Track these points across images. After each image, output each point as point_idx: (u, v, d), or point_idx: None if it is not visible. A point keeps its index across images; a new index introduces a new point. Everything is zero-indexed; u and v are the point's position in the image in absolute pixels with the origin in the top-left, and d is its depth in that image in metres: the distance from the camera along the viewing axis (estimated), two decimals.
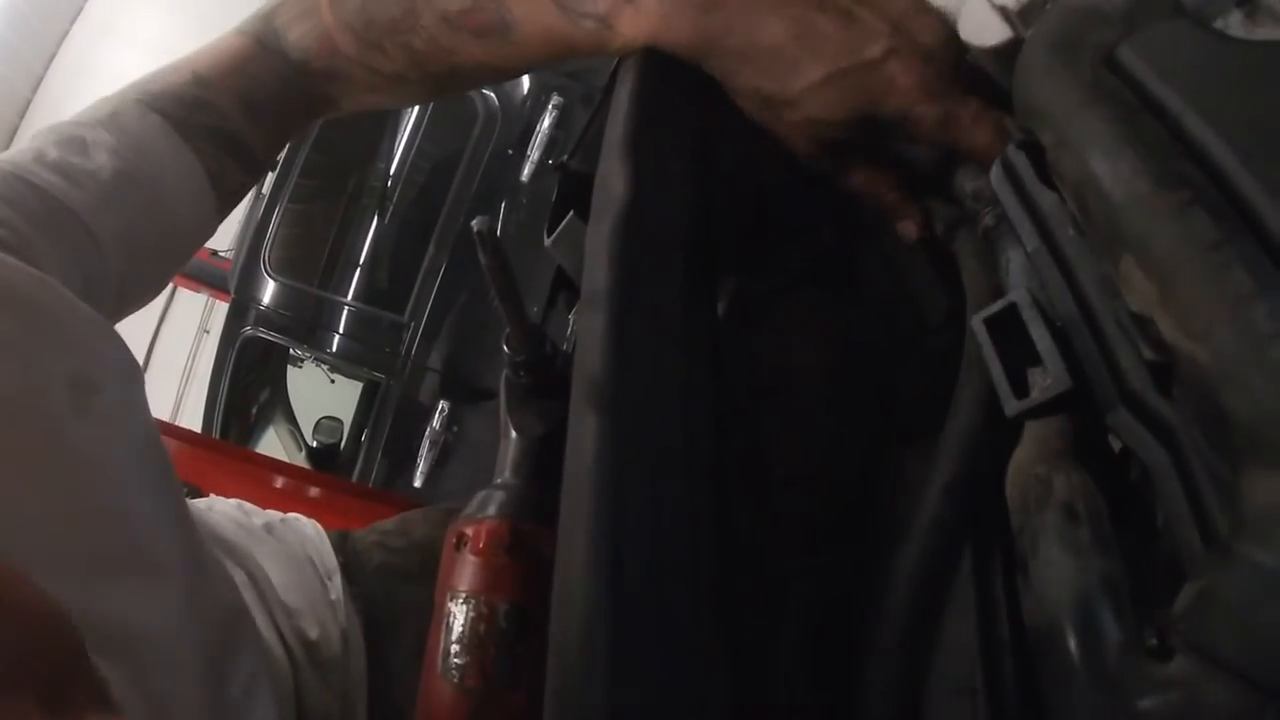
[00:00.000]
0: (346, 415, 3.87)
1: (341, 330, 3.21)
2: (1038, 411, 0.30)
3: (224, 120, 0.58)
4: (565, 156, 0.75)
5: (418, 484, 3.07)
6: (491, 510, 0.42)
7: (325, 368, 3.73)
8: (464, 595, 0.40)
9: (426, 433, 3.04)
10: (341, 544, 0.65)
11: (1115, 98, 0.31)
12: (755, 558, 0.45)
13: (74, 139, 0.53)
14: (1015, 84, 0.37)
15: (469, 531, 0.41)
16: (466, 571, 0.41)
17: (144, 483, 0.44)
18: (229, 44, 0.58)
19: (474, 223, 0.37)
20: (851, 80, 0.45)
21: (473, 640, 0.40)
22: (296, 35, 0.56)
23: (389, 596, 0.63)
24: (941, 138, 0.46)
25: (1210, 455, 0.24)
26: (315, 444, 3.74)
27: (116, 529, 0.41)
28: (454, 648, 0.40)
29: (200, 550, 0.47)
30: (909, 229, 0.49)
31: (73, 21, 5.79)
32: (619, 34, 0.49)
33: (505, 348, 0.43)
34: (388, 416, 3.13)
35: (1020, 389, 0.32)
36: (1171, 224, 0.24)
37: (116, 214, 0.52)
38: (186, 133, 0.57)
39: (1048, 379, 0.30)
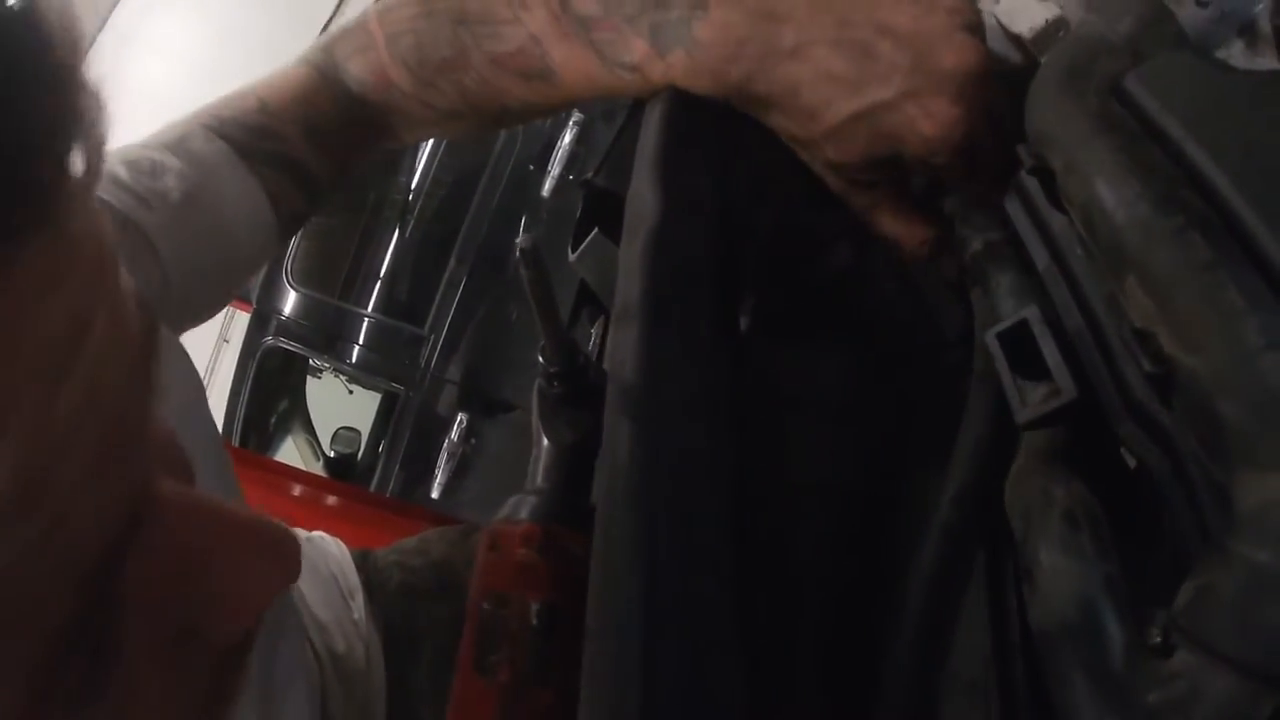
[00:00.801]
0: (364, 426, 3.91)
1: (361, 341, 3.26)
2: (1046, 420, 0.32)
3: (287, 146, 0.59)
4: (590, 174, 0.77)
5: (435, 495, 3.10)
6: (524, 513, 0.44)
7: (344, 378, 3.77)
8: (498, 595, 0.42)
9: (445, 444, 3.08)
10: (363, 563, 0.67)
11: (1120, 126, 0.33)
12: (772, 562, 0.47)
13: (143, 160, 0.55)
14: (1027, 110, 0.38)
15: (503, 533, 0.43)
16: (500, 572, 0.43)
17: (214, 485, 0.46)
18: (293, 74, 0.60)
19: (519, 240, 0.39)
20: (866, 123, 0.45)
21: (505, 637, 0.42)
22: (356, 68, 0.58)
23: (408, 615, 0.65)
24: (961, 187, 0.47)
25: (1206, 460, 0.25)
26: (333, 454, 3.79)
27: None
28: (486, 645, 0.42)
29: None
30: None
31: (99, 30, 5.90)
32: (652, 82, 0.50)
33: (540, 358, 0.45)
34: (406, 428, 3.17)
35: (1030, 401, 0.33)
36: (1170, 246, 0.26)
37: (182, 235, 0.54)
38: (251, 158, 0.58)
39: (1057, 390, 0.32)
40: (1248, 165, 0.27)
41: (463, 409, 3.08)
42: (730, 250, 0.43)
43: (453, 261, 3.02)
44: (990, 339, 0.33)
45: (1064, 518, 0.30)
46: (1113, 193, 0.30)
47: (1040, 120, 0.37)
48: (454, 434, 3.06)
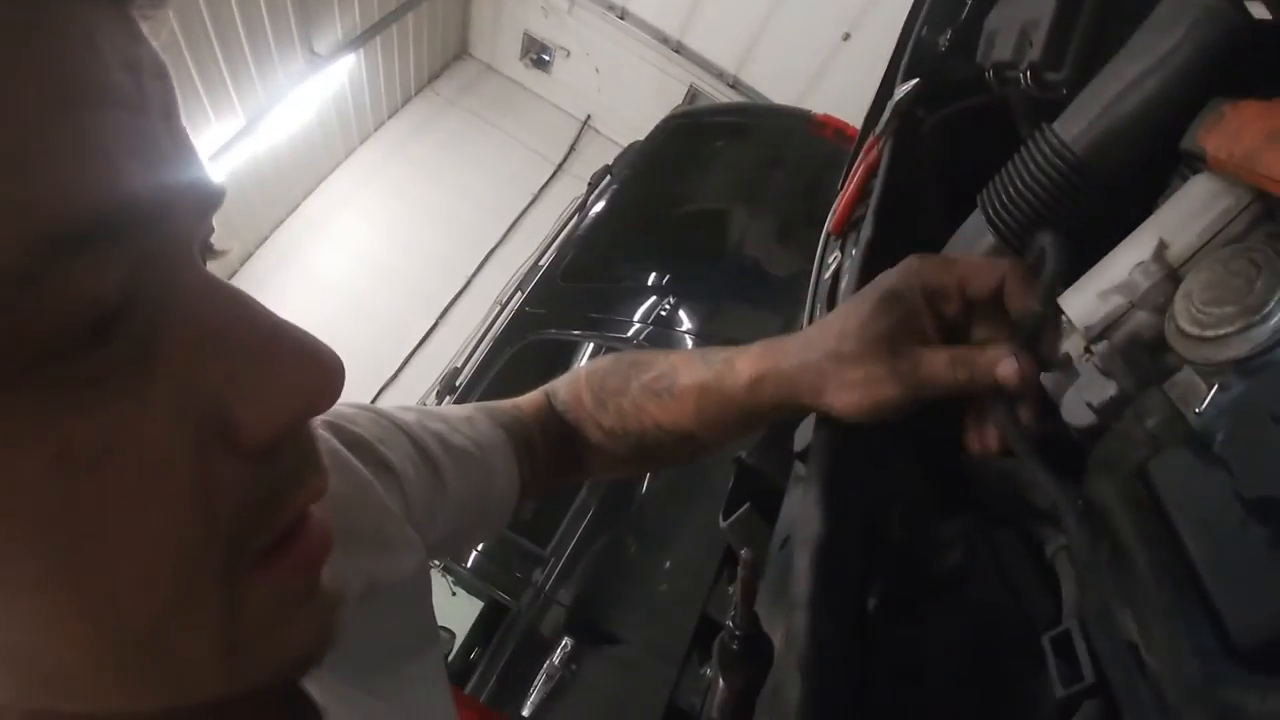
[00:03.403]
0: (461, 629, 3.95)
1: (480, 549, 3.38)
2: (1074, 697, 0.47)
3: (531, 436, 0.77)
4: (742, 453, 0.95)
5: (526, 713, 3.06)
6: None
7: (451, 580, 3.86)
8: None
9: (545, 665, 3.10)
10: None
11: (1137, 503, 0.49)
12: None
13: (442, 422, 0.70)
14: (1085, 481, 0.55)
15: None
16: None
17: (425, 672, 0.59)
18: (535, 395, 0.81)
19: (743, 552, 0.58)
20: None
21: None
22: (563, 394, 0.79)
23: None
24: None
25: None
26: None
27: None
28: None
29: None
30: (1007, 369, 0.56)
31: (289, 214, 6.70)
32: (735, 368, 0.66)
33: (730, 623, 0.61)
34: (511, 642, 3.22)
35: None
36: (1153, 592, 0.42)
37: (464, 485, 0.67)
38: (512, 440, 0.74)
39: (1081, 675, 0.46)
40: (1211, 538, 0.43)
41: (569, 634, 3.13)
42: (867, 551, 0.59)
43: (584, 491, 3.16)
44: (1045, 642, 0.49)
45: None
46: (1128, 558, 0.46)
47: (1088, 490, 0.54)
48: (556, 657, 3.10)
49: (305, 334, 0.32)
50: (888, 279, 0.60)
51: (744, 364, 0.66)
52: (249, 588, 0.32)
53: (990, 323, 0.60)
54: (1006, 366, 0.55)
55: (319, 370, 0.32)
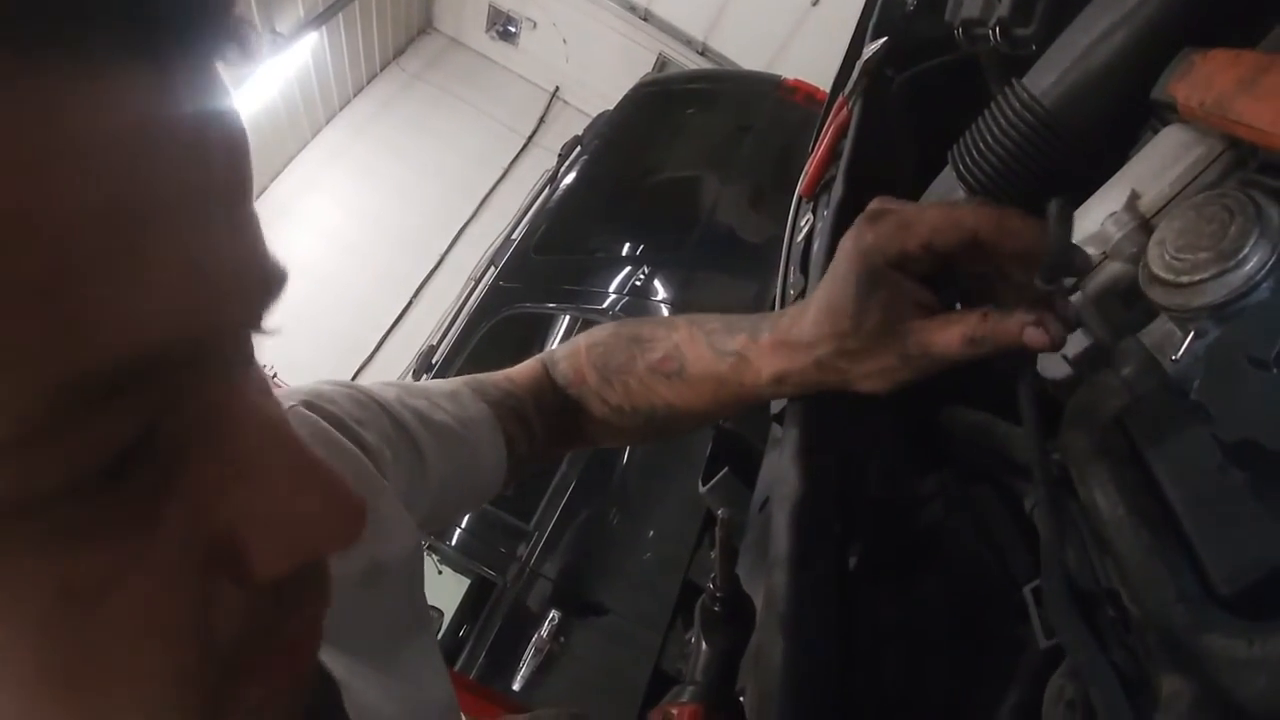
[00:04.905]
0: (448, 607, 3.96)
1: (464, 525, 3.38)
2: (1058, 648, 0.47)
3: (524, 409, 0.76)
4: (722, 420, 0.95)
5: (516, 687, 3.08)
6: (686, 697, 0.59)
7: (436, 558, 3.86)
8: None
9: (533, 639, 3.11)
10: None
11: (1113, 451, 0.49)
12: None
13: (424, 398, 0.68)
14: (1061, 432, 0.55)
15: (674, 712, 0.58)
16: None
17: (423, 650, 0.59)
18: (530, 365, 0.79)
19: (721, 512, 0.57)
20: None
21: None
22: (563, 367, 0.77)
23: None
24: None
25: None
26: None
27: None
28: None
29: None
30: (1033, 337, 0.52)
31: (256, 199, 6.61)
32: (749, 361, 0.65)
33: (711, 585, 0.61)
34: (498, 617, 3.22)
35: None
36: (1133, 541, 0.42)
37: (446, 461, 0.66)
38: (500, 414, 0.73)
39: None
40: (1190, 484, 0.43)
41: (555, 607, 3.13)
42: (847, 510, 0.59)
43: (564, 465, 3.14)
44: (1026, 593, 0.49)
45: (1066, 706, 0.44)
46: (1102, 498, 0.46)
47: (1065, 442, 0.53)
48: (544, 630, 3.10)
49: (334, 474, 0.31)
50: (853, 256, 0.58)
51: (760, 361, 0.65)
52: (235, 696, 0.31)
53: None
54: (1034, 336, 0.52)
55: (343, 515, 0.31)
